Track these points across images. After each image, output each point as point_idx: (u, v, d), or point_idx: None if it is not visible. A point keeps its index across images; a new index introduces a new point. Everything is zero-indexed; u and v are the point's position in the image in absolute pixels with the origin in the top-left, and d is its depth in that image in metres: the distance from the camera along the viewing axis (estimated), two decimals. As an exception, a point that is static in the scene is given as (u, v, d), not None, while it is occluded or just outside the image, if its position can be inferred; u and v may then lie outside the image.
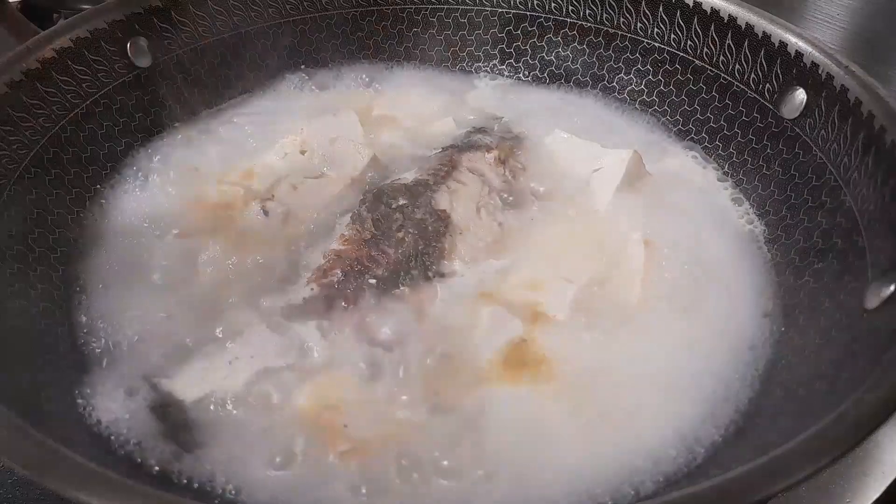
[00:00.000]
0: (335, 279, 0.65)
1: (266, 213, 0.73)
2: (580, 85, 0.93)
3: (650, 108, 0.88)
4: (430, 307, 0.65)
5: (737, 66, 0.79)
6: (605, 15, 0.88)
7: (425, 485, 0.53)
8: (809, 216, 0.69)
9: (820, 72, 0.69)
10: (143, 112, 0.81)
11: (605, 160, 0.78)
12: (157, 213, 0.75)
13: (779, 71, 0.74)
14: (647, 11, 0.85)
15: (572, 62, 0.93)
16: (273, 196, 0.74)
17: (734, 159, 0.81)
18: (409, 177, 0.76)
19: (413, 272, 0.66)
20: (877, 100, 0.64)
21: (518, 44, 0.95)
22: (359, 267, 0.66)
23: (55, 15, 1.17)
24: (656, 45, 0.86)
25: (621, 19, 0.87)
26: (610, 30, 0.89)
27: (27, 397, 0.52)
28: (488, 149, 0.80)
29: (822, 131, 0.69)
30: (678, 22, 0.82)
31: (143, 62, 0.80)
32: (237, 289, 0.66)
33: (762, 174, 0.77)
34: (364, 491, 0.53)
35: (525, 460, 0.55)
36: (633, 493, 0.53)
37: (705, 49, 0.81)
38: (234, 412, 0.57)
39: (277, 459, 0.55)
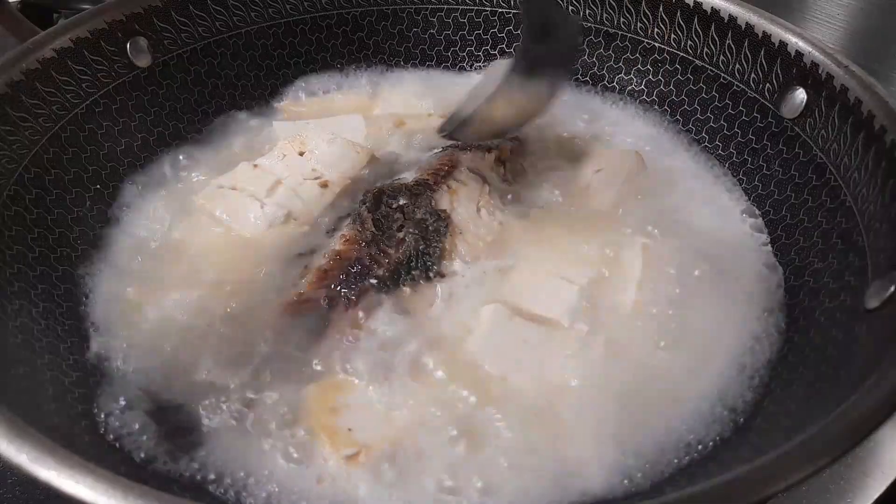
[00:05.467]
0: (336, 280, 0.65)
1: (266, 214, 0.73)
2: (580, 85, 0.93)
3: (650, 108, 0.88)
4: (431, 307, 0.65)
5: (737, 65, 0.79)
6: (605, 15, 0.88)
7: (430, 486, 0.53)
8: (809, 216, 0.69)
9: (820, 72, 0.69)
10: (143, 112, 0.81)
11: (606, 161, 0.78)
12: (157, 213, 0.75)
13: (779, 71, 0.74)
14: (647, 11, 0.85)
15: (572, 62, 0.93)
16: (272, 198, 0.74)
17: (734, 159, 0.81)
18: (409, 177, 0.76)
19: (414, 272, 0.66)
20: (877, 100, 0.64)
21: (518, 44, 0.95)
22: (359, 267, 0.66)
23: (55, 15, 1.18)
24: (656, 45, 0.86)
25: (621, 19, 0.87)
26: (610, 30, 0.89)
27: (27, 397, 0.52)
28: (489, 149, 0.80)
29: (822, 131, 0.69)
30: (678, 22, 0.82)
31: (143, 62, 0.80)
32: (237, 290, 0.66)
33: (762, 174, 0.77)
34: (367, 494, 0.53)
35: (529, 458, 0.55)
36: (633, 491, 0.53)
37: (705, 49, 0.81)
38: (235, 412, 0.57)
39: (280, 461, 0.55)
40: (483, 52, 0.96)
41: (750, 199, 0.78)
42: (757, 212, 0.76)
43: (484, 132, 0.76)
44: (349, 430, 0.56)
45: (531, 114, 0.74)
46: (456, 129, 0.76)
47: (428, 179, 0.74)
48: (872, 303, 0.55)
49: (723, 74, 0.80)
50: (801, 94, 0.72)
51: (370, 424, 0.56)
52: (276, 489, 0.53)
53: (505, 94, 0.71)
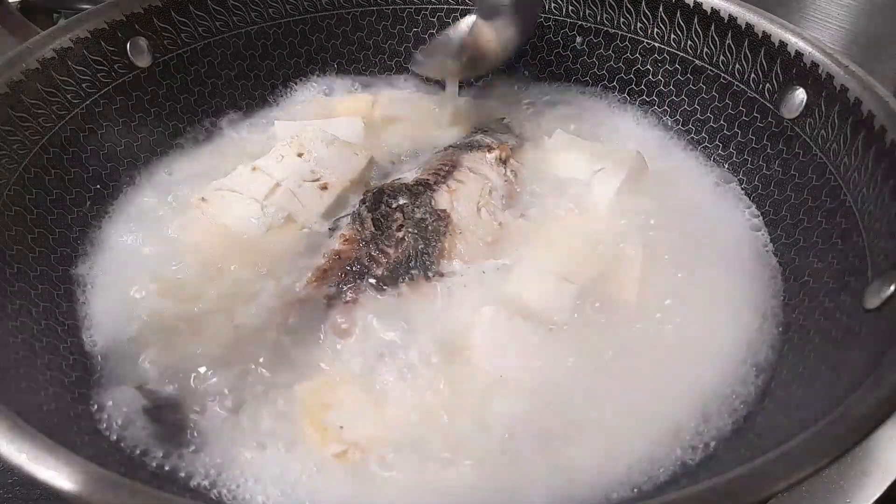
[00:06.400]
0: (335, 279, 0.65)
1: (266, 216, 0.72)
2: (580, 85, 0.93)
3: (650, 108, 0.88)
4: (430, 307, 0.65)
5: (737, 65, 0.79)
6: (605, 15, 0.88)
7: (421, 486, 0.53)
8: (809, 216, 0.69)
9: (820, 71, 0.69)
10: (143, 112, 0.81)
11: (607, 161, 0.78)
12: (156, 214, 0.75)
13: (779, 70, 0.74)
14: (647, 11, 0.85)
15: (572, 62, 0.93)
16: (272, 200, 0.74)
17: (734, 159, 0.81)
18: (409, 176, 0.76)
19: (413, 272, 0.66)
20: (877, 100, 0.64)
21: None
22: (358, 267, 0.66)
23: (55, 15, 1.18)
24: (656, 45, 0.86)
25: (621, 19, 0.87)
26: (610, 30, 0.89)
27: (27, 397, 0.52)
28: (490, 149, 0.80)
29: (822, 131, 0.69)
30: (678, 22, 0.82)
31: (143, 62, 0.80)
32: (236, 290, 0.66)
33: (762, 174, 0.77)
34: (360, 492, 0.53)
35: (529, 459, 0.55)
36: (634, 491, 0.54)
37: (705, 49, 0.81)
38: (232, 411, 0.57)
39: (273, 459, 0.55)
40: (483, 52, 0.96)
41: (750, 199, 0.78)
42: (757, 212, 0.76)
43: (462, 64, 0.81)
44: (340, 427, 0.56)
45: (505, 48, 0.83)
46: (433, 60, 0.83)
47: (428, 179, 0.74)
48: (872, 303, 0.55)
49: (723, 74, 0.80)
50: (801, 94, 0.72)
51: (362, 423, 0.56)
52: (271, 486, 0.53)
53: (480, 28, 0.79)
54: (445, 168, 0.76)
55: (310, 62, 0.93)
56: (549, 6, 0.91)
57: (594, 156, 0.79)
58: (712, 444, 0.56)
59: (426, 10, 0.94)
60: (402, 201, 0.71)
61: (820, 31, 1.14)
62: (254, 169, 0.76)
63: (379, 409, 0.57)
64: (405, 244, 0.68)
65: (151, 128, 0.82)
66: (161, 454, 0.55)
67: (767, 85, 0.76)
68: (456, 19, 0.94)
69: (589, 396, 0.59)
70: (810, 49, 0.71)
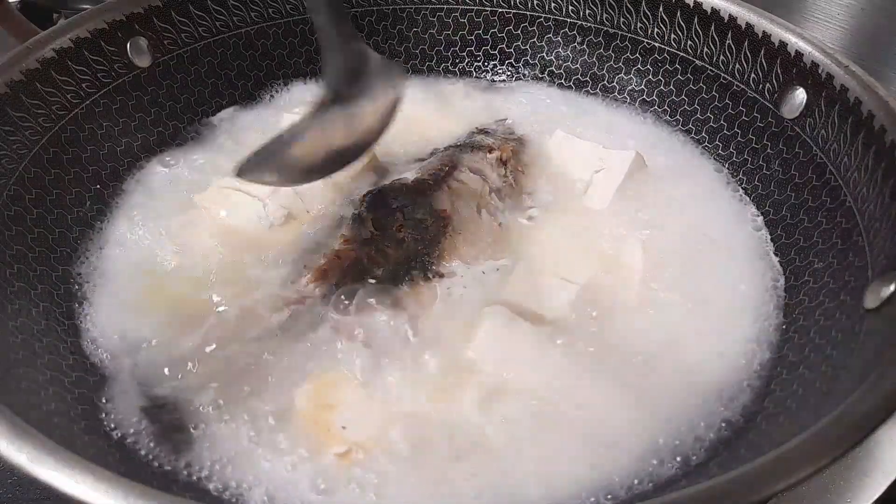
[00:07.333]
0: (335, 279, 0.65)
1: (267, 214, 0.72)
2: (580, 85, 0.93)
3: (650, 108, 0.88)
4: (430, 307, 0.65)
5: (737, 65, 0.79)
6: (605, 15, 0.88)
7: (424, 487, 0.53)
8: (809, 216, 0.69)
9: (820, 71, 0.69)
10: (143, 112, 0.81)
11: (607, 161, 0.78)
12: (157, 214, 0.75)
13: (779, 70, 0.74)
14: (647, 11, 0.85)
15: (572, 62, 0.93)
16: (273, 198, 0.74)
17: (734, 159, 0.81)
18: (409, 177, 0.76)
19: (413, 272, 0.66)
20: (877, 100, 0.64)
21: (518, 44, 0.95)
22: (358, 267, 0.66)
23: (55, 15, 1.18)
24: (656, 45, 0.86)
25: (621, 19, 0.87)
26: (610, 30, 0.89)
27: (27, 397, 0.52)
28: (490, 149, 0.80)
29: (822, 131, 0.69)
30: (678, 22, 0.82)
31: (143, 62, 0.80)
32: (236, 290, 0.66)
33: (762, 174, 0.77)
34: (360, 492, 0.53)
35: (529, 460, 0.55)
36: (634, 491, 0.53)
37: (705, 49, 0.81)
38: (232, 411, 0.57)
39: (275, 458, 0.55)
40: (483, 52, 0.96)
41: (750, 199, 0.78)
42: (757, 212, 0.76)
43: (302, 167, 0.61)
44: (343, 427, 0.56)
45: (367, 138, 0.64)
46: (261, 167, 0.60)
47: (428, 180, 0.74)
48: (872, 303, 0.55)
49: (723, 74, 0.80)
50: (801, 94, 0.72)
51: (364, 423, 0.56)
52: (273, 486, 0.53)
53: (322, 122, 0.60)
54: (446, 168, 0.76)
55: (310, 62, 0.93)
56: (549, 6, 0.91)
57: (594, 156, 0.79)
58: (712, 444, 0.56)
59: (426, 10, 0.94)
60: (402, 202, 0.71)
61: (820, 31, 1.14)
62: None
63: (380, 410, 0.57)
64: (405, 245, 0.68)
65: (151, 128, 0.82)
66: (161, 454, 0.55)
67: (767, 85, 0.76)
68: (456, 19, 0.94)
69: (589, 396, 0.59)
70: (810, 49, 0.71)
